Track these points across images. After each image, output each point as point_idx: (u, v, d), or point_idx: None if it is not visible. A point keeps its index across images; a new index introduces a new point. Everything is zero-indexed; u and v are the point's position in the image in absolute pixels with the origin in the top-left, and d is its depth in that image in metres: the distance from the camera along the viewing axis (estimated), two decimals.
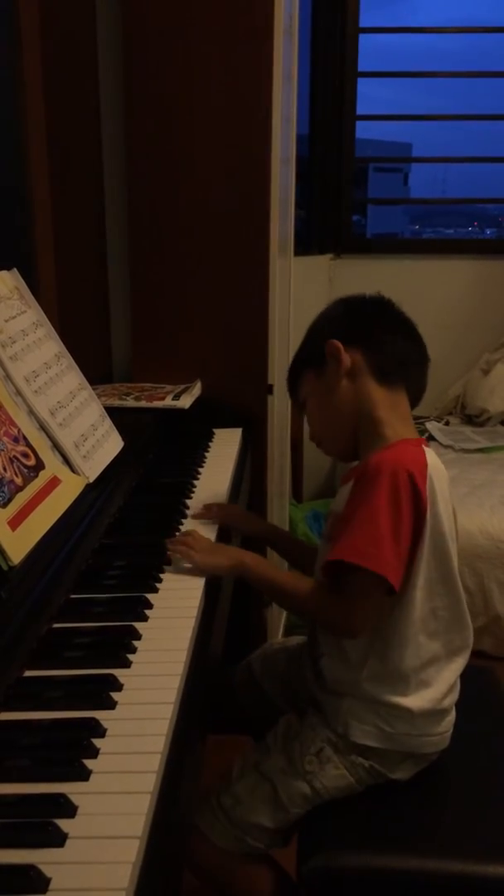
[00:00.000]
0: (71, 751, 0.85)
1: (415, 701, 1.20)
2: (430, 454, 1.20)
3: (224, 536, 1.43)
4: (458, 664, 1.25)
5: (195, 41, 1.84)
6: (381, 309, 1.28)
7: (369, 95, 3.75)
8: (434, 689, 1.22)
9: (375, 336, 1.25)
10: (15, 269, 1.46)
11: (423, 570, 1.17)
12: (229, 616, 1.41)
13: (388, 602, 1.17)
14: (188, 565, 1.25)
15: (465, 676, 1.30)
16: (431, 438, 3.25)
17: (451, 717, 1.27)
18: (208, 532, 1.40)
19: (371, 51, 3.58)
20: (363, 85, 3.52)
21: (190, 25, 1.84)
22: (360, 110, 3.52)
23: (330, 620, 1.22)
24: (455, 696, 1.26)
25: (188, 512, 1.49)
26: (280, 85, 1.88)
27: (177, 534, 1.37)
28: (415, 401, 1.28)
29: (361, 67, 3.47)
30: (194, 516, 1.47)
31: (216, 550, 1.29)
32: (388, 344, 1.25)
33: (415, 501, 1.13)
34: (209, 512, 1.46)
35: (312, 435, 1.34)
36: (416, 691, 1.21)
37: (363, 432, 1.25)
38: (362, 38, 3.44)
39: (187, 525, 1.44)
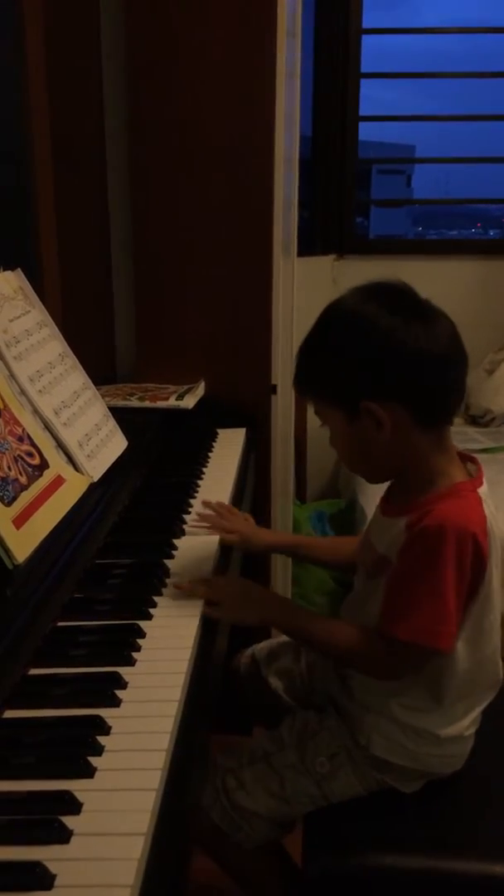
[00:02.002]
0: (76, 748, 0.86)
1: (443, 729, 1.19)
2: (486, 500, 1.13)
3: (226, 553, 1.39)
4: (488, 699, 1.24)
5: (199, 41, 1.84)
6: (423, 344, 1.07)
7: (373, 97, 3.75)
8: (463, 720, 1.21)
9: (420, 387, 1.09)
10: (19, 270, 1.47)
11: (471, 624, 1.14)
12: None
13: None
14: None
15: None
16: None
17: (472, 740, 1.26)
18: (209, 547, 1.35)
19: (374, 52, 3.57)
20: (367, 86, 3.52)
21: (194, 25, 1.84)
22: (363, 111, 3.52)
23: (372, 672, 1.19)
24: (478, 724, 1.25)
25: (192, 510, 1.49)
26: (283, 85, 1.88)
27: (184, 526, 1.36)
28: (459, 406, 1.16)
29: (365, 69, 3.47)
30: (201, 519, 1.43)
31: (244, 602, 1.21)
32: (437, 388, 1.10)
33: (476, 564, 1.08)
34: (218, 524, 1.40)
35: (341, 457, 1.23)
36: (445, 722, 1.20)
37: (409, 473, 1.16)
38: (366, 39, 3.44)
39: (193, 517, 1.44)
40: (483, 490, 1.14)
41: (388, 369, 1.08)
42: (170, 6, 1.84)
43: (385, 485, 1.24)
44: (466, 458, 1.19)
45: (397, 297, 1.11)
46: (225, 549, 1.38)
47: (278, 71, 1.85)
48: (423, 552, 1.08)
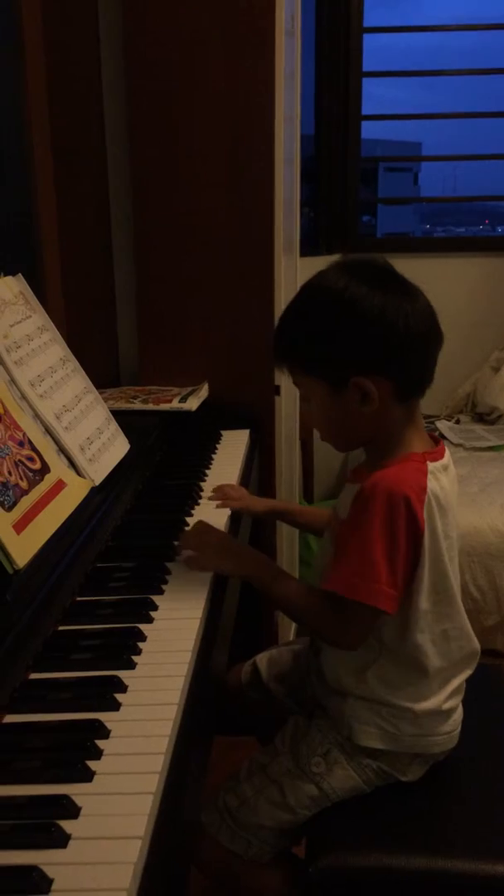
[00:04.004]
0: (75, 752, 0.86)
1: (418, 704, 1.20)
2: (436, 473, 1.15)
3: (235, 521, 1.46)
4: (465, 673, 1.25)
5: (196, 45, 1.85)
6: (411, 321, 1.10)
7: (379, 95, 3.76)
8: (438, 695, 1.21)
9: (408, 361, 1.12)
10: (20, 275, 1.47)
11: (427, 594, 1.15)
12: (240, 617, 1.42)
13: (395, 623, 1.16)
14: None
15: (476, 675, 1.29)
16: (442, 437, 3.23)
17: (458, 715, 1.26)
18: (221, 516, 1.43)
19: (379, 50, 3.57)
20: (373, 85, 3.53)
21: (191, 29, 1.84)
22: (369, 110, 3.52)
23: (325, 636, 1.22)
24: (460, 696, 1.25)
25: (194, 513, 1.49)
26: (282, 86, 1.89)
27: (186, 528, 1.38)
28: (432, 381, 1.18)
29: (370, 67, 3.47)
30: (213, 499, 1.52)
31: (221, 552, 1.27)
32: (418, 364, 1.14)
33: (411, 527, 1.10)
34: (226, 496, 1.49)
35: (313, 427, 1.27)
36: (419, 696, 1.20)
37: (377, 442, 1.19)
38: (371, 38, 3.44)
39: (195, 520, 1.43)
40: (438, 465, 1.16)
41: (380, 346, 1.11)
42: (168, 7, 1.84)
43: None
44: (435, 439, 1.22)
45: (382, 275, 1.14)
46: None
47: (277, 71, 1.85)
48: (356, 512, 1.12)
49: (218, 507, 1.45)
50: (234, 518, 1.50)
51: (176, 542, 1.35)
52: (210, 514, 1.48)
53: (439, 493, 1.14)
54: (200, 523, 1.33)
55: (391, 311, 1.10)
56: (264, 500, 1.62)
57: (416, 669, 1.19)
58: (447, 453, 1.20)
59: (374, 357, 1.11)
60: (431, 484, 1.13)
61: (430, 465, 1.15)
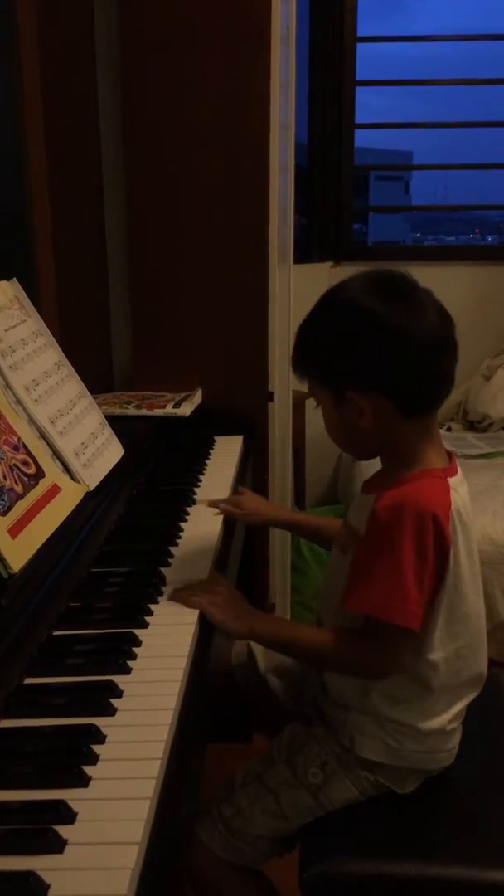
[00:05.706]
0: (71, 757, 0.85)
1: (424, 722, 1.19)
2: (456, 488, 1.14)
3: (229, 527, 1.46)
4: (471, 695, 1.24)
5: (192, 51, 1.86)
6: (410, 336, 1.09)
7: (369, 104, 3.77)
8: (444, 715, 1.20)
9: (403, 380, 1.11)
10: (15, 279, 1.47)
11: (443, 613, 1.14)
12: None
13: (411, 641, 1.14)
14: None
15: None
16: None
17: (459, 734, 1.26)
18: (215, 523, 1.43)
19: (371, 59, 3.59)
20: (363, 93, 3.54)
21: (187, 35, 1.85)
22: (360, 119, 3.54)
23: (359, 671, 1.18)
24: (461, 719, 1.25)
25: (188, 518, 1.49)
26: (277, 93, 1.89)
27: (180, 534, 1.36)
28: (446, 396, 1.17)
29: (361, 76, 3.49)
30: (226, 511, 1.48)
31: (232, 609, 1.21)
32: (422, 381, 1.12)
33: (438, 545, 1.09)
34: (240, 507, 1.46)
35: (329, 435, 1.24)
36: (425, 715, 1.19)
37: (388, 452, 1.19)
38: (361, 46, 3.46)
39: (189, 525, 1.44)
40: (455, 479, 1.15)
41: (371, 363, 1.11)
42: (164, 15, 1.85)
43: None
44: (449, 453, 1.21)
45: (390, 288, 1.12)
46: (220, 559, 1.38)
47: (273, 78, 1.86)
48: (382, 528, 1.10)
49: (237, 517, 1.46)
50: (228, 524, 1.49)
51: (170, 548, 1.35)
52: (203, 519, 1.48)
53: (461, 508, 1.13)
54: (214, 581, 1.27)
55: (386, 326, 1.09)
56: (280, 510, 1.63)
57: (424, 687, 1.18)
58: (459, 468, 1.19)
59: (364, 374, 1.11)
60: (454, 499, 1.12)
61: (450, 481, 1.14)
